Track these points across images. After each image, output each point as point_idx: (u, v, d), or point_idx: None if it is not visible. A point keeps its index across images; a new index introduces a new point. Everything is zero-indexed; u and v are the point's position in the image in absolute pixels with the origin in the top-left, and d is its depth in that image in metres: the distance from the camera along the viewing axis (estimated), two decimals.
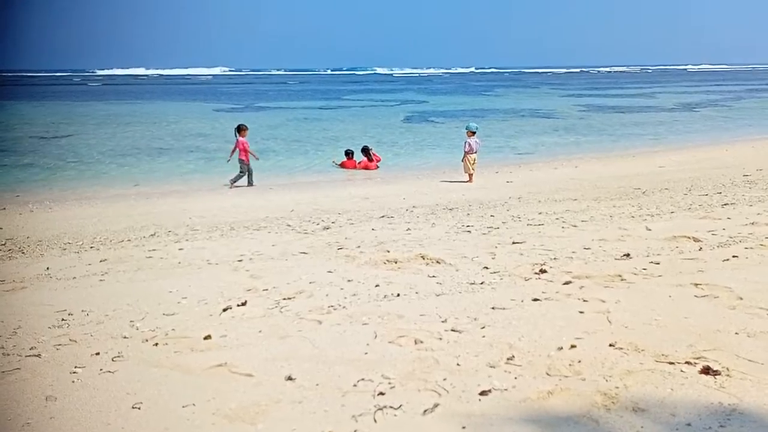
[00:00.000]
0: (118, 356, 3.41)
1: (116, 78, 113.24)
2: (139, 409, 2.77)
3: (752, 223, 6.10)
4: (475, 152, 12.37)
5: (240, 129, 12.63)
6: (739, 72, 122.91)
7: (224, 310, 4.17)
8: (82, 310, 4.29)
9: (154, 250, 6.43)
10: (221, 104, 40.23)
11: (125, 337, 3.72)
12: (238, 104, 40.25)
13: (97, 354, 3.44)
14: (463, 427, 2.42)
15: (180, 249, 6.42)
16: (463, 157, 12.45)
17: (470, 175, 12.29)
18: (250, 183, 12.54)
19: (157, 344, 3.57)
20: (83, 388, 3.01)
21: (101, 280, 5.21)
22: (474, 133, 12.45)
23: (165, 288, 4.80)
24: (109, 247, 6.72)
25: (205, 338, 3.62)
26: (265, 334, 3.63)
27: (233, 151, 12.67)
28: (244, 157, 12.45)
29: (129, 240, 7.13)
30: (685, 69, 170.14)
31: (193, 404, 2.78)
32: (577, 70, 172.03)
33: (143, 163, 15.88)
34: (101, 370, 3.22)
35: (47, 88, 64.00)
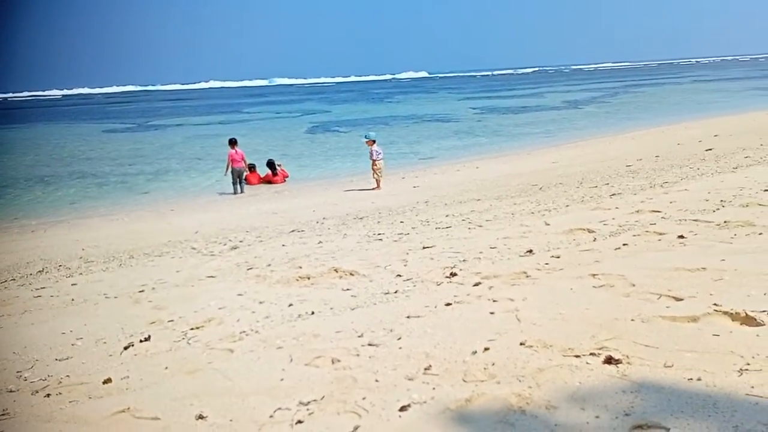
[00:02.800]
0: (4, 414, 3.06)
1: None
2: None
3: (637, 211, 6.56)
4: (381, 159, 12.59)
5: (230, 142, 14.08)
6: (626, 69, 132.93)
7: (125, 348, 3.89)
8: None
9: (43, 288, 5.92)
10: (111, 124, 38.04)
11: (11, 391, 3.36)
12: (129, 123, 38.27)
13: None
14: None
15: (73, 284, 5.95)
16: (372, 166, 12.62)
17: (377, 182, 12.47)
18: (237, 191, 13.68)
19: (49, 395, 3.25)
20: None
21: None
22: (374, 141, 12.71)
23: (57, 330, 4.41)
24: None
25: (105, 382, 3.34)
26: (172, 371, 3.41)
27: (228, 163, 13.81)
28: (236, 166, 13.68)
29: (13, 279, 6.52)
30: (582, 68, 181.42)
31: None
32: (472, 74, 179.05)
33: (26, 193, 14.65)
34: None
35: None
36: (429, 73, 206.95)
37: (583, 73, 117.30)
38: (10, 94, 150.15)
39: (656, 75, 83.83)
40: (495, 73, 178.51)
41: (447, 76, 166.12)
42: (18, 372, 3.64)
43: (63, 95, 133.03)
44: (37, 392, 3.30)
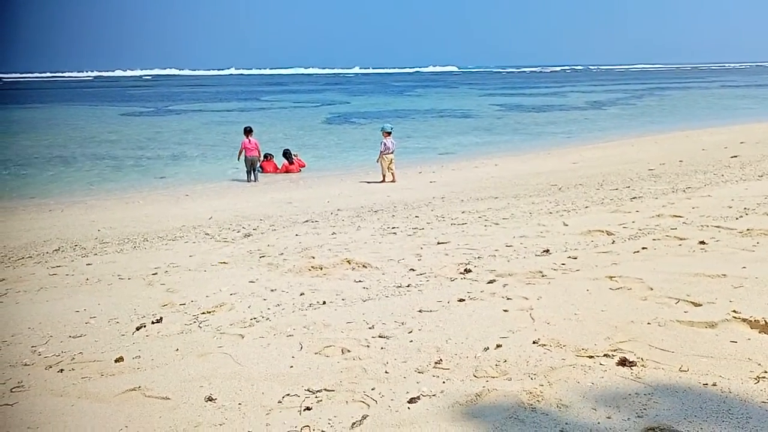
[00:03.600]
0: (18, 386, 3.10)
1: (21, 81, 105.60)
2: None
3: (658, 216, 6.46)
4: (392, 152, 12.61)
5: (245, 131, 13.99)
6: (654, 71, 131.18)
7: (138, 328, 3.91)
8: None
9: (58, 266, 5.98)
10: (130, 108, 38.37)
11: (26, 365, 3.40)
12: (147, 108, 38.54)
13: None
14: None
15: (88, 264, 6.01)
16: (379, 157, 12.66)
17: (391, 174, 12.50)
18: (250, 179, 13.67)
19: (62, 370, 3.28)
20: None
21: None
22: (389, 133, 12.73)
23: (71, 308, 4.45)
24: (7, 266, 6.19)
25: (117, 360, 3.37)
26: (183, 353, 3.42)
27: (240, 151, 13.78)
28: (249, 155, 13.63)
29: (30, 257, 6.60)
30: (609, 69, 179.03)
31: None
32: (499, 70, 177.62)
33: (44, 173, 14.83)
34: None
35: None
36: (458, 68, 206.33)
37: (609, 74, 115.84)
38: (36, 74, 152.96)
39: (684, 78, 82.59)
40: (523, 69, 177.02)
41: (474, 71, 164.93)
42: (33, 347, 3.68)
43: (94, 77, 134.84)
44: (50, 367, 3.34)
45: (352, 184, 12.45)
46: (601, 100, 39.84)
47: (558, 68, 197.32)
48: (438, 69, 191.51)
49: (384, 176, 12.54)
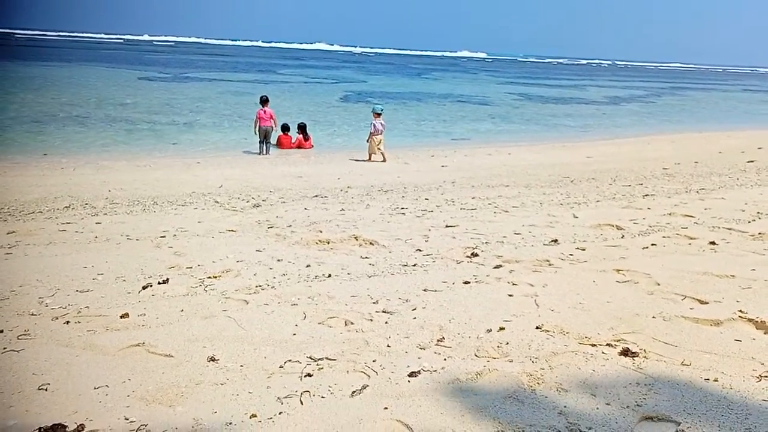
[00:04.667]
0: (25, 334, 3.15)
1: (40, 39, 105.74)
2: (45, 390, 2.56)
3: (670, 214, 6.42)
4: (381, 133, 12.73)
5: (261, 100, 13.79)
6: (675, 71, 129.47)
7: (144, 288, 3.95)
8: None
9: (68, 223, 6.03)
10: (147, 72, 38.31)
11: (33, 315, 3.45)
12: (165, 73, 38.45)
13: (1, 332, 3.17)
14: (385, 408, 2.38)
15: (97, 223, 6.05)
16: (369, 137, 12.77)
17: (381, 155, 12.70)
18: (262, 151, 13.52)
19: (68, 322, 3.33)
20: None
21: (8, 254, 4.82)
22: (379, 114, 12.84)
23: (79, 263, 4.50)
24: (18, 219, 6.25)
25: (122, 317, 3.41)
26: (188, 314, 3.45)
27: (255, 121, 13.60)
28: (263, 125, 13.43)
29: (40, 212, 6.66)
30: (631, 65, 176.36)
31: (106, 385, 2.60)
32: (523, 59, 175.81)
33: (58, 131, 14.88)
34: (5, 348, 2.96)
35: None
36: (488, 54, 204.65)
37: (630, 70, 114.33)
38: (61, 33, 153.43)
39: (706, 79, 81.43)
40: (550, 61, 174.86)
41: (499, 59, 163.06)
42: (40, 298, 3.73)
43: (125, 39, 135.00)
44: (57, 318, 3.38)
45: (362, 163, 12.42)
46: (620, 96, 39.37)
47: (584, 61, 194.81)
48: (468, 54, 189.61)
49: (370, 156, 12.73)
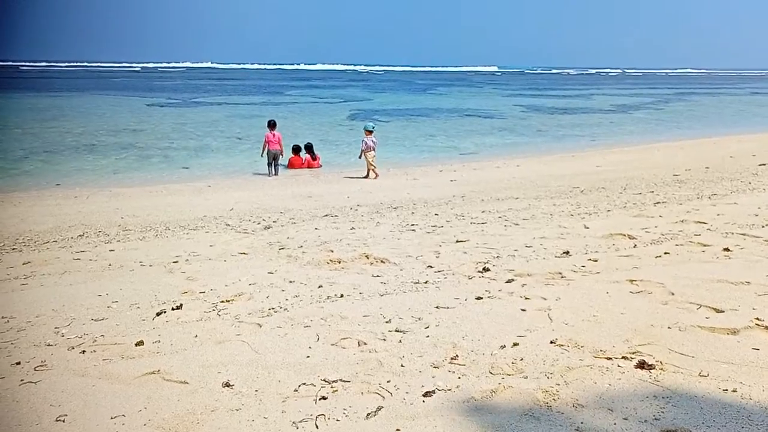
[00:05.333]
0: (42, 365, 3.18)
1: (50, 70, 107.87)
2: (63, 421, 2.58)
3: (682, 221, 6.37)
4: (373, 149, 12.90)
5: (269, 124, 14.04)
6: (682, 77, 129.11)
7: (158, 314, 3.98)
8: (2, 317, 4.00)
9: (82, 251, 6.10)
10: (156, 98, 38.84)
11: (49, 345, 3.48)
12: (174, 99, 38.96)
13: (18, 363, 3.21)
14: (398, 430, 2.38)
15: (111, 250, 6.11)
16: (361, 154, 12.95)
17: (372, 171, 12.79)
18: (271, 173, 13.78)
19: (84, 351, 3.36)
20: (2, 401, 2.78)
21: (24, 284, 4.88)
22: (371, 132, 13.02)
23: (94, 292, 4.54)
24: (33, 249, 6.33)
25: (137, 344, 3.43)
26: (202, 339, 3.47)
27: (264, 144, 13.83)
28: (271, 148, 13.70)
29: (55, 241, 6.74)
30: (638, 72, 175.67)
31: (123, 415, 2.62)
32: (529, 71, 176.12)
33: (71, 160, 15.10)
34: (22, 380, 2.99)
35: None
36: (498, 68, 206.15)
37: (636, 78, 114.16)
38: (66, 64, 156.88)
39: (713, 84, 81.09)
40: (564, 71, 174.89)
41: (507, 72, 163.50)
42: (56, 328, 3.76)
43: (141, 68, 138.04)
44: (73, 348, 3.41)
45: (372, 180, 12.47)
46: (628, 104, 39.28)
47: (594, 71, 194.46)
48: (479, 68, 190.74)
49: (368, 172, 12.87)
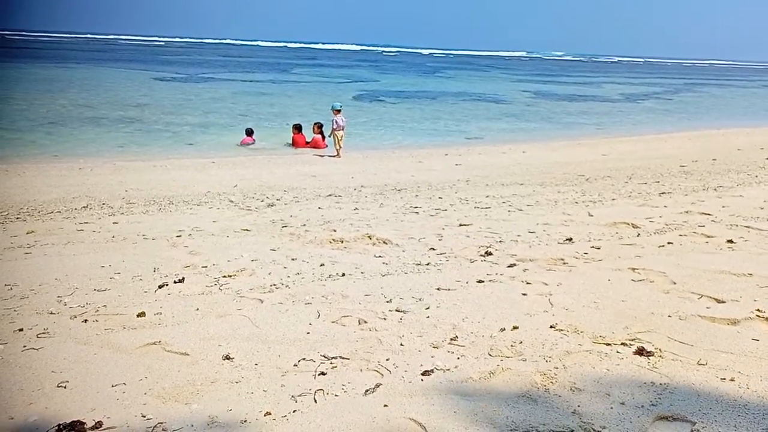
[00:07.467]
0: (44, 333, 3.21)
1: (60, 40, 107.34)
2: (64, 387, 2.61)
3: (687, 212, 6.35)
4: (342, 129, 13.01)
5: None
6: (692, 67, 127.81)
7: (160, 286, 4.00)
8: (6, 284, 4.03)
9: (86, 222, 6.12)
10: (163, 72, 38.65)
11: (52, 313, 3.51)
12: (180, 73, 38.75)
13: (21, 330, 3.24)
14: (397, 406, 2.39)
15: (114, 223, 6.13)
16: (331, 133, 13.07)
17: (338, 150, 12.87)
18: None
19: (86, 321, 3.38)
20: (4, 366, 2.82)
21: (27, 253, 4.91)
22: (339, 111, 13.16)
23: (97, 263, 4.57)
24: (36, 219, 6.35)
25: (139, 315, 3.46)
26: (203, 312, 3.49)
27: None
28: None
29: (59, 212, 6.76)
30: (648, 62, 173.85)
31: (124, 383, 2.64)
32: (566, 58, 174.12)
33: (76, 132, 15.08)
34: (24, 347, 3.02)
35: None
36: (527, 53, 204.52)
37: (646, 67, 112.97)
38: (77, 34, 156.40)
39: (723, 75, 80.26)
40: (579, 59, 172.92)
41: (541, 57, 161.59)
42: (59, 297, 3.79)
43: (141, 40, 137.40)
44: (75, 317, 3.44)
45: (376, 162, 12.42)
46: (637, 93, 38.94)
47: (616, 58, 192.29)
48: (509, 53, 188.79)
49: (338, 151, 13.04)
